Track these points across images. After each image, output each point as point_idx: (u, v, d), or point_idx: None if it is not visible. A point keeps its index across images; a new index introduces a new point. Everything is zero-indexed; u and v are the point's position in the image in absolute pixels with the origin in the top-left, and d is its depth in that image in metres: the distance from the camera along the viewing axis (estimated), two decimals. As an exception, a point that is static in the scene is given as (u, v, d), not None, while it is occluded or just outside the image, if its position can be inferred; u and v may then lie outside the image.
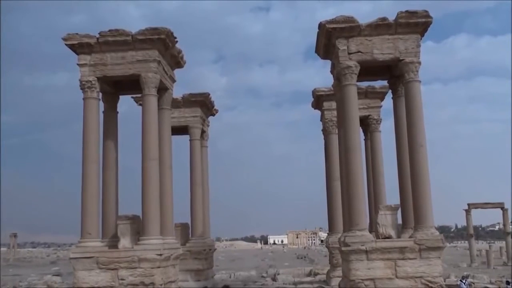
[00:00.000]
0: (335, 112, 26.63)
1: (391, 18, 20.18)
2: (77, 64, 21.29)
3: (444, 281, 21.21)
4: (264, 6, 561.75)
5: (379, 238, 19.82)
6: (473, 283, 33.81)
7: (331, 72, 23.04)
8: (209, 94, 31.56)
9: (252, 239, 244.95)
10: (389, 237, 19.93)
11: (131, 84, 22.31)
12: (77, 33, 21.09)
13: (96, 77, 21.18)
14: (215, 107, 33.81)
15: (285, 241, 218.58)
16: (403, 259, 18.98)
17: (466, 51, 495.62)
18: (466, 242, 79.27)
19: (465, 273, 36.76)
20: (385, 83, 25.52)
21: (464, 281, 30.43)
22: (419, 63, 20.21)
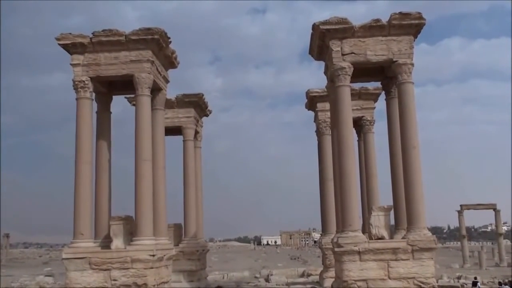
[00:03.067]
0: (328, 113, 26.66)
1: (385, 19, 20.23)
2: (70, 64, 21.20)
3: (437, 282, 21.26)
4: (260, 8, 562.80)
5: (372, 239, 19.85)
6: (465, 284, 33.99)
7: (325, 73, 23.07)
8: (202, 95, 31.51)
9: (245, 240, 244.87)
10: (382, 238, 19.97)
11: (124, 84, 22.25)
12: (70, 33, 21.00)
13: (89, 77, 21.09)
14: (209, 108, 33.76)
15: (279, 242, 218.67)
16: (395, 260, 19.02)
17: (460, 53, 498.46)
18: (459, 243, 79.60)
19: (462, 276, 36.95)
20: (378, 84, 25.57)
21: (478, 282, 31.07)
22: (412, 64, 20.26)
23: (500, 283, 32.88)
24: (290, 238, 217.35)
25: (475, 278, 34.27)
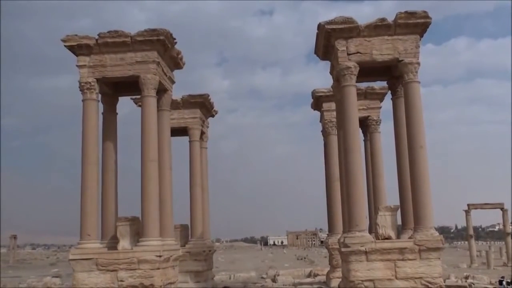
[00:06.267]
0: (334, 113, 26.60)
1: (391, 19, 20.17)
2: (76, 66, 21.27)
3: (444, 282, 21.16)
4: (267, 10, 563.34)
5: (379, 239, 19.79)
6: (473, 284, 33.81)
7: (331, 73, 23.03)
8: (208, 95, 31.51)
9: (252, 240, 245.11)
10: (388, 238, 19.90)
11: (130, 86, 22.29)
12: (76, 34, 21.08)
13: (95, 78, 21.15)
14: (215, 108, 33.76)
15: (285, 242, 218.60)
16: (402, 260, 18.94)
17: (466, 53, 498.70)
18: (466, 242, 79.23)
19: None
20: (384, 84, 25.49)
21: (503, 281, 30.90)
22: (418, 63, 20.17)
23: (500, 282, 32.67)
24: (297, 238, 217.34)
25: (502, 277, 34.12)
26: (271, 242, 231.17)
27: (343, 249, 19.46)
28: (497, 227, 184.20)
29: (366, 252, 18.92)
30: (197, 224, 30.51)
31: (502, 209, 63.34)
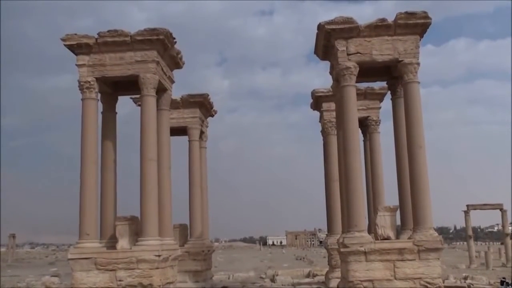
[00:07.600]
0: (334, 113, 26.58)
1: (391, 19, 20.18)
2: (76, 65, 21.26)
3: (443, 282, 21.15)
4: (267, 10, 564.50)
5: (378, 239, 19.79)
6: (472, 285, 33.81)
7: (330, 73, 23.02)
8: (208, 95, 31.50)
9: (251, 240, 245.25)
10: (387, 238, 19.91)
11: (130, 85, 22.27)
12: (75, 34, 21.06)
13: (95, 77, 21.12)
14: (214, 108, 33.75)
15: (284, 242, 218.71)
16: (402, 260, 18.95)
17: (466, 54, 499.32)
18: (465, 243, 79.26)
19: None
20: (384, 84, 25.49)
21: (504, 281, 30.87)
22: (418, 64, 20.18)
23: (502, 282, 32.68)
24: (296, 239, 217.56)
25: (503, 278, 34.12)
26: (270, 242, 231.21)
27: (342, 250, 19.46)
28: (496, 228, 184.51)
29: (365, 253, 18.92)
30: (196, 224, 30.50)
31: (501, 209, 63.29)
